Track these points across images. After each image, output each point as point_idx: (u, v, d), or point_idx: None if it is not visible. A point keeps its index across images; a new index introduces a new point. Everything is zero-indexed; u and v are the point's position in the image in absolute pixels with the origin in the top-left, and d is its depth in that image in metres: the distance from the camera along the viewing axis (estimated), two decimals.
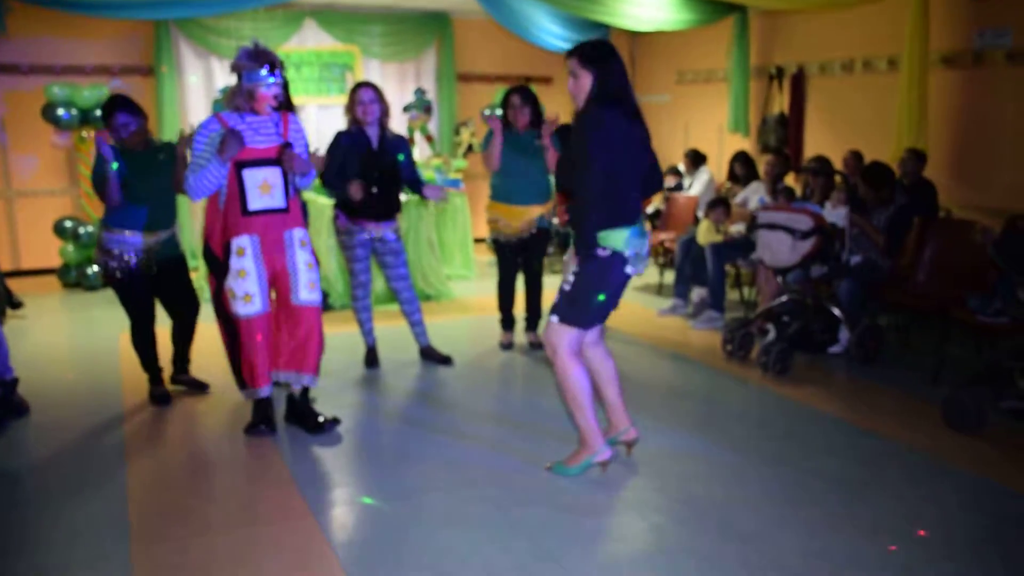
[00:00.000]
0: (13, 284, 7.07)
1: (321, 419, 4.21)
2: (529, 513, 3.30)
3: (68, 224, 7.47)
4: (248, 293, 3.90)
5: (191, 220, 8.52)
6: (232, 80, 3.92)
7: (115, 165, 4.21)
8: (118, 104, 4.34)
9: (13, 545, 3.13)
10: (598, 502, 3.42)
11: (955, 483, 3.60)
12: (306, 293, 4.02)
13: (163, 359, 4.73)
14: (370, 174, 4.77)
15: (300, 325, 4.03)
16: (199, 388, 4.78)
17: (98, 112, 7.22)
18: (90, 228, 7.41)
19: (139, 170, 4.31)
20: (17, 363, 4.72)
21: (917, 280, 5.39)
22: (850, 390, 4.83)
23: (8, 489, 3.61)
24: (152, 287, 4.49)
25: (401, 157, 4.94)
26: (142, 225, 4.36)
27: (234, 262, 3.89)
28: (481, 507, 3.35)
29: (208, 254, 3.97)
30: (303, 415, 4.22)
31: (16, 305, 6.72)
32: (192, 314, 4.70)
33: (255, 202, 3.89)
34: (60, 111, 7.31)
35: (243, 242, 3.89)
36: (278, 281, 4.00)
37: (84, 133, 7.48)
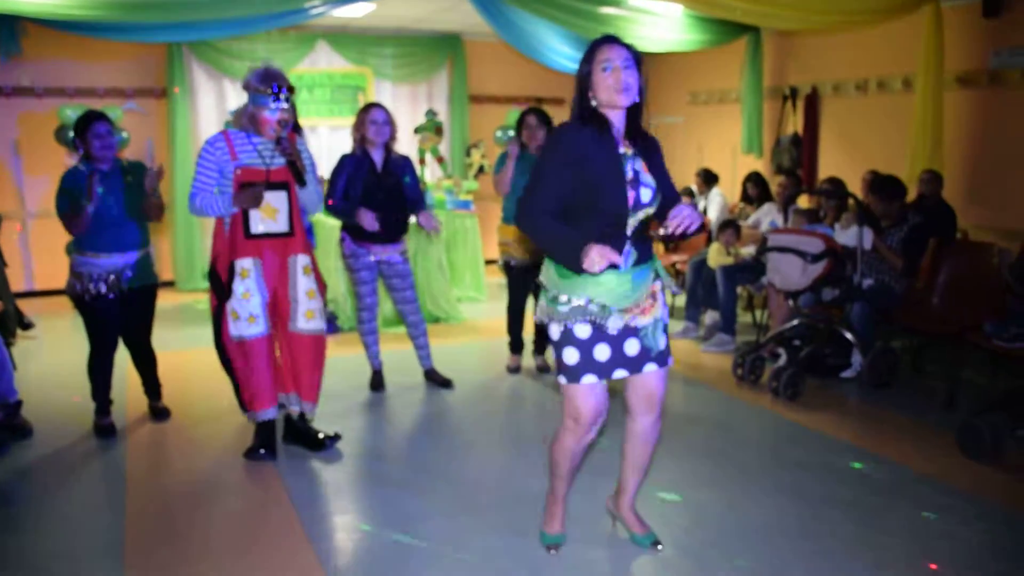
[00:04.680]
0: (25, 305, 7.09)
1: (321, 435, 4.19)
2: (532, 542, 3.22)
3: (72, 246, 7.48)
4: (252, 314, 3.88)
5: (201, 242, 8.55)
6: (243, 99, 3.90)
7: (100, 189, 4.17)
8: (96, 115, 4.27)
9: (9, 569, 3.09)
10: (602, 531, 3.34)
11: (969, 512, 3.50)
12: (303, 322, 3.99)
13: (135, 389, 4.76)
14: (375, 196, 4.75)
15: (296, 352, 4.02)
16: (160, 417, 4.70)
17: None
18: None
19: (109, 191, 4.24)
20: (25, 385, 4.72)
21: (932, 303, 5.30)
22: (862, 415, 4.73)
23: (5, 512, 3.58)
24: (119, 312, 4.40)
25: (406, 179, 4.92)
26: (111, 247, 4.28)
27: (238, 284, 3.87)
28: (483, 536, 3.29)
29: (213, 275, 3.94)
30: (302, 434, 4.20)
31: (26, 326, 6.75)
32: (148, 341, 4.66)
33: (258, 225, 3.86)
34: (73, 133, 7.33)
35: (246, 264, 3.87)
36: (277, 306, 3.98)
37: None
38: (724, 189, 8.18)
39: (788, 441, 4.36)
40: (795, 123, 8.16)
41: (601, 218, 2.73)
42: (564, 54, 8.09)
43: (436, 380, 5.24)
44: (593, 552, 3.17)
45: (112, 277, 4.32)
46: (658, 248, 8.42)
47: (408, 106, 9.33)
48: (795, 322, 5.24)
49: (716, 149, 9.23)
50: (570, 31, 7.67)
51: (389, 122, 4.83)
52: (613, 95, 2.71)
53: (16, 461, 4.14)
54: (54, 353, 6.17)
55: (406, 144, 8.10)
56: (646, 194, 2.80)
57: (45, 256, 8.10)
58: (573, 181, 2.71)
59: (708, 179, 8.06)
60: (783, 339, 5.24)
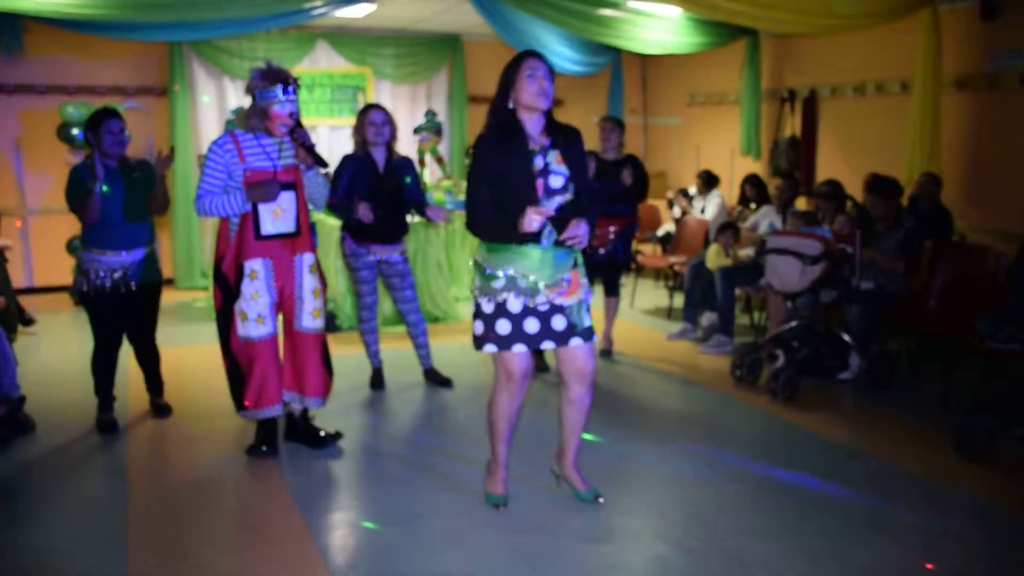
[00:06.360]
0: (25, 301, 7.11)
1: (323, 434, 4.22)
2: (530, 539, 3.26)
3: (79, 243, 7.51)
4: (261, 315, 3.91)
5: (201, 240, 8.57)
6: (246, 102, 3.92)
7: (106, 188, 4.20)
8: (111, 112, 4.33)
9: (12, 563, 3.12)
10: (601, 528, 3.37)
11: (964, 511, 3.55)
12: (308, 320, 4.02)
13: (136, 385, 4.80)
14: (377, 197, 4.77)
15: (300, 350, 4.05)
16: (162, 413, 4.72)
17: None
18: None
19: (115, 189, 4.28)
20: (26, 380, 4.74)
21: (929, 305, 5.33)
22: (859, 416, 4.77)
23: (9, 507, 3.61)
24: (123, 308, 4.43)
25: (408, 179, 4.94)
26: (117, 244, 4.33)
27: (246, 285, 3.89)
28: (482, 532, 3.32)
29: (219, 276, 3.96)
30: (304, 432, 4.23)
31: (27, 322, 6.76)
32: (152, 337, 4.70)
33: (268, 226, 3.88)
34: (74, 130, 7.37)
35: (255, 265, 3.89)
36: (284, 305, 4.01)
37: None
38: (723, 191, 8.21)
39: (785, 442, 4.39)
40: (793, 125, 8.20)
41: (519, 204, 3.13)
42: (563, 55, 8.13)
43: (436, 379, 5.27)
44: (595, 549, 3.20)
45: (118, 274, 4.35)
46: (656, 249, 8.45)
47: (408, 106, 9.35)
48: (793, 324, 5.27)
49: (714, 151, 9.27)
50: (570, 33, 7.72)
51: (388, 122, 4.86)
52: (536, 99, 3.18)
53: (19, 456, 4.17)
54: (55, 349, 6.19)
55: (405, 144, 8.11)
56: (556, 181, 3.22)
57: (45, 252, 8.12)
58: (494, 179, 3.20)
59: (709, 181, 8.07)
60: (781, 340, 5.27)
